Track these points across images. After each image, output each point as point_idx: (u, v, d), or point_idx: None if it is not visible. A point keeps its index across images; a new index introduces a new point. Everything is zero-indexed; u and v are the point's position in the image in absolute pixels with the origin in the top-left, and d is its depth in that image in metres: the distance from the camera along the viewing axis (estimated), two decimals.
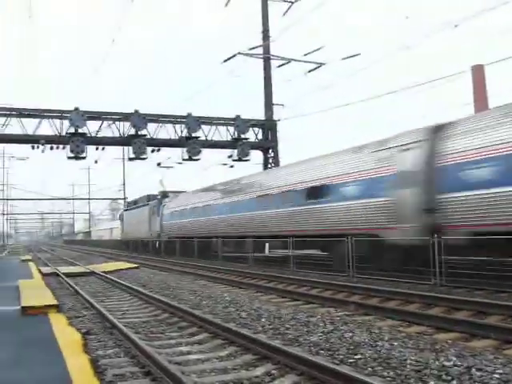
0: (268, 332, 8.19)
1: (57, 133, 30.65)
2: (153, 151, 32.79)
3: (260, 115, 33.88)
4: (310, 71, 30.26)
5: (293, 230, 19.93)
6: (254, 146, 34.20)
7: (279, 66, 32.34)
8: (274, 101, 32.99)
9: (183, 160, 33.23)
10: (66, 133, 30.59)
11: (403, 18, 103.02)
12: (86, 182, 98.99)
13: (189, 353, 7.19)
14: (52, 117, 30.81)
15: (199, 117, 32.76)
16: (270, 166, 33.48)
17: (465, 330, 7.91)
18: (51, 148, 31.11)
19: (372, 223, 15.79)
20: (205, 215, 28.80)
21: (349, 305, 10.83)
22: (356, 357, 6.33)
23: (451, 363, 5.77)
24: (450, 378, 5.32)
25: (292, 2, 31.07)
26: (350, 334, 7.46)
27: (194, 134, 32.56)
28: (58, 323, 9.10)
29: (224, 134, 33.65)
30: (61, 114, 30.82)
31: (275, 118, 33.35)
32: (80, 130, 30.59)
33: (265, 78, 32.80)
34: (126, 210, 53.48)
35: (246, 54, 30.84)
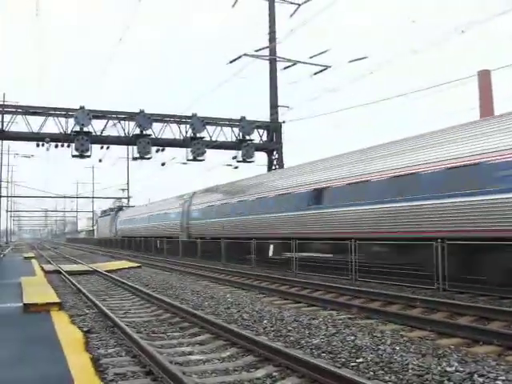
0: (270, 334, 8.18)
1: (62, 131, 30.73)
2: (157, 151, 32.83)
3: (265, 117, 33.89)
4: (315, 73, 30.21)
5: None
6: (259, 147, 34.19)
7: (285, 68, 32.30)
8: (280, 102, 32.97)
9: (188, 160, 33.24)
10: (71, 131, 30.67)
11: (410, 22, 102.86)
12: (89, 180, 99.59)
13: (190, 353, 7.18)
14: (57, 115, 30.89)
15: (204, 117, 32.78)
16: (274, 167, 33.45)
17: (467, 336, 7.88)
18: (56, 146, 31.15)
19: None
20: (137, 223, 46.27)
21: (351, 308, 10.81)
22: (358, 360, 6.31)
23: (453, 369, 5.75)
24: (452, 383, 5.30)
25: (299, 4, 31.08)
26: (352, 338, 7.44)
27: (198, 135, 32.59)
28: (60, 321, 9.11)
29: (229, 134, 33.70)
30: (66, 113, 30.90)
31: (280, 119, 33.33)
32: (85, 129, 30.67)
33: (270, 79, 32.78)
34: (99, 217, 77.52)
35: (252, 56, 30.80)
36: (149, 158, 32.52)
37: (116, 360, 6.66)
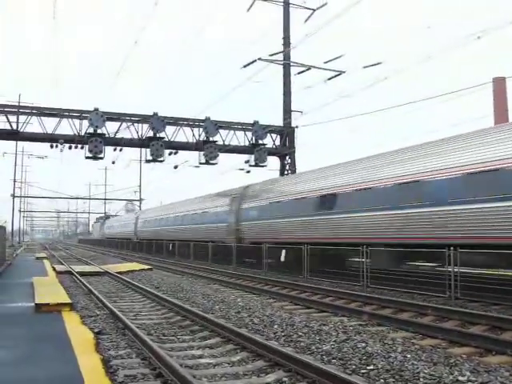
0: (280, 339, 8.15)
1: (76, 133, 30.90)
2: (170, 154, 32.87)
3: (278, 121, 33.87)
4: (329, 79, 30.18)
5: None
6: (272, 151, 34.17)
7: (299, 73, 32.29)
8: (293, 107, 32.93)
9: (200, 164, 33.28)
10: (85, 133, 30.85)
11: (425, 27, 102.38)
12: (102, 182, 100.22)
13: (200, 357, 7.18)
14: (72, 117, 31.09)
15: (217, 121, 32.83)
16: (286, 172, 33.42)
17: (480, 345, 7.80)
18: (70, 147, 31.33)
19: None
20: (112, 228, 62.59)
21: (362, 315, 10.75)
22: (368, 367, 6.27)
23: (465, 378, 5.69)
24: None
25: (314, 10, 31.09)
26: (363, 345, 7.39)
27: (211, 138, 32.62)
28: (71, 322, 9.15)
29: (242, 139, 33.69)
30: (80, 115, 31.10)
31: (293, 124, 33.29)
32: (99, 131, 30.83)
33: (284, 84, 32.78)
34: (94, 223, 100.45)
35: (266, 60, 30.82)
36: (162, 161, 32.59)
37: (126, 362, 6.67)
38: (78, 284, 17.21)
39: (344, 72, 29.64)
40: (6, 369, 5.91)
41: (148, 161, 33.12)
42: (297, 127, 33.42)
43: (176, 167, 35.18)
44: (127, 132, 31.92)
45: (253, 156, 33.56)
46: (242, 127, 33.79)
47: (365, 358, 6.71)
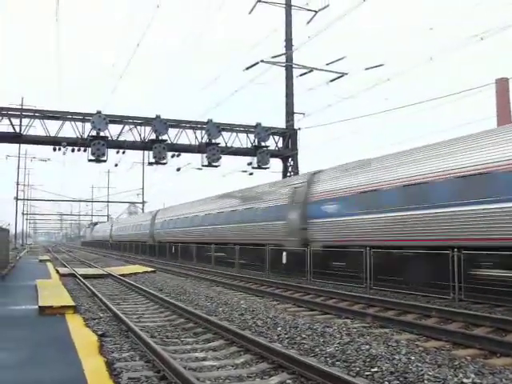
0: (284, 341, 8.14)
1: (79, 135, 30.96)
2: (173, 156, 32.92)
3: (281, 123, 33.87)
4: (331, 81, 30.14)
5: None
6: (274, 153, 34.16)
7: (301, 75, 32.24)
8: (296, 109, 32.93)
9: (203, 166, 33.30)
10: (88, 136, 30.90)
11: (427, 29, 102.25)
12: (105, 184, 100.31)
13: (204, 359, 7.17)
14: (74, 119, 31.15)
15: (220, 123, 32.85)
16: (289, 174, 33.39)
17: (484, 347, 7.78)
18: (72, 150, 31.40)
19: None
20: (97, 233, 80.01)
21: (366, 317, 10.73)
22: (372, 370, 6.25)
23: (470, 380, 5.67)
24: None
25: (316, 11, 31.08)
26: (367, 347, 7.37)
27: (214, 141, 32.63)
28: (75, 324, 9.17)
29: (244, 141, 33.71)
30: (83, 117, 31.16)
31: (296, 126, 33.29)
32: (101, 134, 30.90)
33: (286, 86, 32.79)
34: (86, 227, 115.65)
35: (269, 62, 30.81)
36: (164, 163, 32.64)
37: (130, 364, 6.66)
38: (81, 286, 17.22)
39: (346, 74, 29.59)
40: (10, 371, 5.92)
41: (151, 163, 33.23)
42: (299, 129, 33.40)
43: (179, 169, 35.22)
44: (130, 135, 32.02)
45: (255, 158, 33.58)
46: (245, 129, 33.81)
47: (369, 360, 6.69)
